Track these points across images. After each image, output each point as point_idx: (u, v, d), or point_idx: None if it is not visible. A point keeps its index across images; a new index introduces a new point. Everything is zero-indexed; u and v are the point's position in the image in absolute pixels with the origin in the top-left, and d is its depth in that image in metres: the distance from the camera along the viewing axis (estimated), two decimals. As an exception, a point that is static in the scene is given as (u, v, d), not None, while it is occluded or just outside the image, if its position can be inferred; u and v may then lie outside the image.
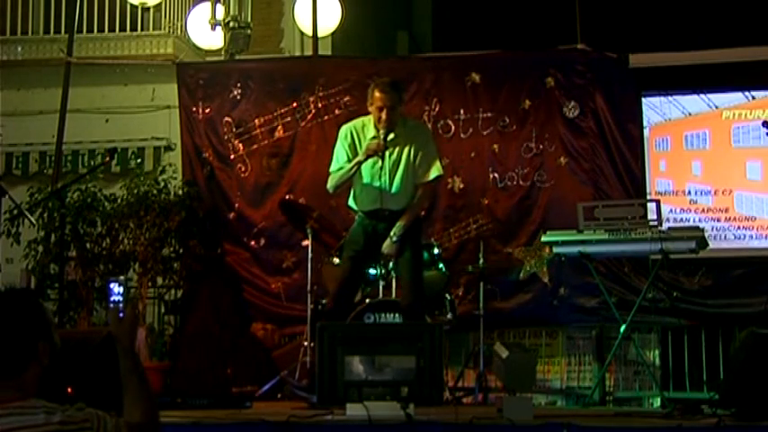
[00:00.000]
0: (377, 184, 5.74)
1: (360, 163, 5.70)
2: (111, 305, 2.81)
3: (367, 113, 5.84)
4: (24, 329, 2.46)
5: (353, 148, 5.78)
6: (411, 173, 5.77)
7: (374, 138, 5.70)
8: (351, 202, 5.95)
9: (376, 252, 5.86)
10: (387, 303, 6.48)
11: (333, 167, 5.86)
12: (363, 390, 4.85)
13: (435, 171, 5.81)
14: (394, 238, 5.72)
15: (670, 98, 7.63)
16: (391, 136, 5.69)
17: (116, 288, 2.84)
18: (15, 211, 6.68)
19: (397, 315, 6.39)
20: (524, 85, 7.70)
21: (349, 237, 5.98)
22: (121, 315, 2.68)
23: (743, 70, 7.45)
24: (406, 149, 5.77)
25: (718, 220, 7.46)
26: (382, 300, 6.53)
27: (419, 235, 5.97)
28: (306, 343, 6.57)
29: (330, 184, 5.89)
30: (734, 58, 7.46)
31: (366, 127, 5.81)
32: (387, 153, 5.70)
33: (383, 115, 5.66)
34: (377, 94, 5.71)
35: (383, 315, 6.42)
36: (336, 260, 6.42)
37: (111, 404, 2.63)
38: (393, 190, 5.74)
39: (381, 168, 5.71)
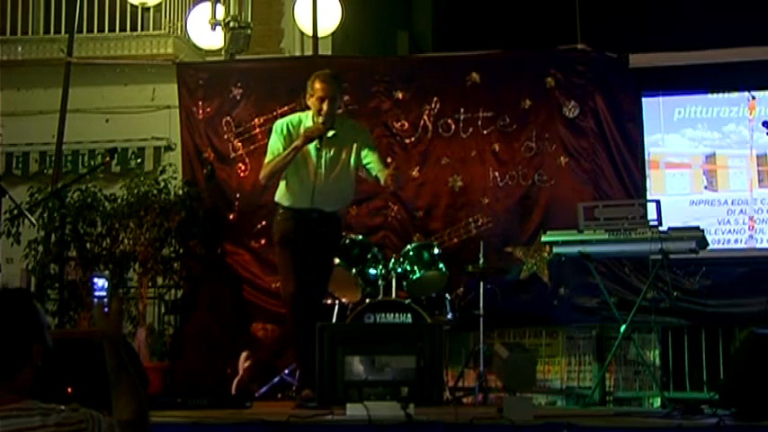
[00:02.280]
0: (312, 181, 5.65)
1: (297, 148, 5.59)
2: (96, 300, 2.79)
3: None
4: (19, 331, 2.44)
5: (289, 140, 5.69)
6: (347, 174, 5.73)
7: (314, 124, 5.63)
8: (279, 197, 5.84)
9: (307, 240, 5.70)
10: (387, 303, 6.48)
11: (267, 160, 5.79)
12: (363, 390, 4.86)
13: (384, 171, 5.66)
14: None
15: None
16: (331, 133, 5.63)
17: (100, 283, 2.82)
18: (15, 211, 6.68)
19: (397, 315, 6.40)
20: (524, 85, 7.70)
21: (278, 233, 5.80)
22: (106, 310, 2.66)
23: (743, 70, 7.45)
24: (346, 149, 5.72)
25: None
26: (382, 300, 6.54)
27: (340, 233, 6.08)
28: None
29: (263, 173, 5.80)
30: (734, 58, 7.46)
31: (302, 122, 5.75)
32: (323, 152, 5.64)
33: (324, 106, 5.60)
34: (317, 84, 5.64)
35: (383, 315, 6.43)
36: (337, 260, 6.42)
37: (110, 404, 2.63)
38: (327, 190, 5.68)
39: (318, 165, 5.63)
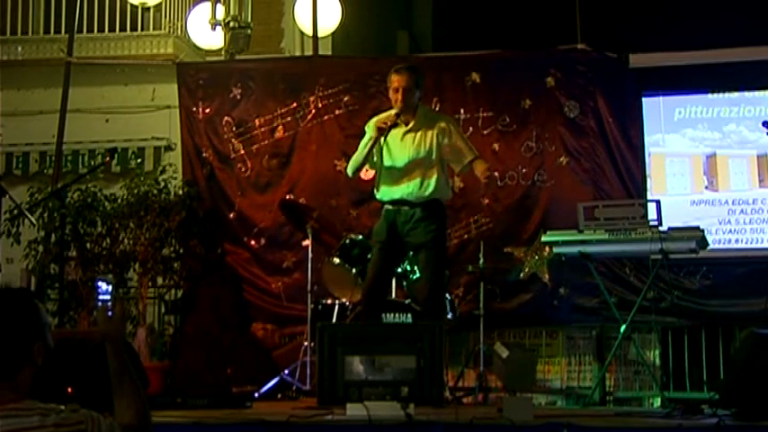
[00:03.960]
0: (398, 171, 5.77)
1: (375, 140, 5.73)
2: (100, 304, 2.78)
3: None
4: (20, 330, 2.44)
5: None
6: (432, 162, 5.77)
7: (386, 114, 5.76)
8: (376, 193, 5.99)
9: (401, 245, 5.86)
10: (388, 303, 6.48)
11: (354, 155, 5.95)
12: (363, 390, 4.86)
13: (466, 157, 5.83)
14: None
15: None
16: (411, 123, 5.73)
17: (104, 286, 2.80)
18: (15, 211, 6.68)
19: (397, 315, 6.39)
20: (525, 85, 7.70)
21: (374, 229, 6.00)
22: (110, 314, 2.65)
23: (743, 70, 7.45)
24: (429, 136, 5.79)
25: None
26: (387, 300, 6.53)
27: (441, 222, 5.94)
28: (306, 343, 6.57)
29: (349, 168, 5.99)
30: (734, 58, 7.46)
31: (389, 116, 5.85)
32: (407, 140, 5.74)
33: (398, 96, 5.74)
34: (393, 76, 5.80)
35: (383, 315, 6.42)
36: (336, 260, 6.42)
37: (110, 404, 2.63)
38: (413, 178, 5.76)
39: (402, 155, 5.75)
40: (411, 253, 6.04)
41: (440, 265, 5.90)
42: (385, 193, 5.87)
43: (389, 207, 5.85)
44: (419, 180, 5.77)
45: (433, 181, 5.79)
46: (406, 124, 5.80)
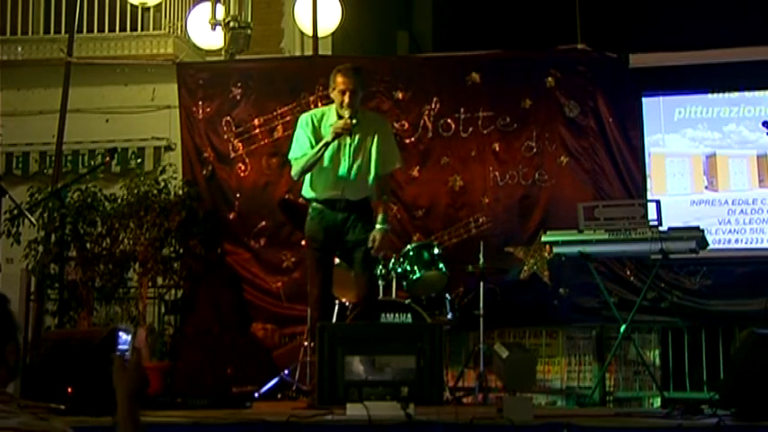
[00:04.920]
0: (337, 171, 5.81)
1: (327, 144, 5.74)
2: (118, 353, 2.74)
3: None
4: None
5: (316, 134, 5.84)
6: (370, 163, 5.86)
7: (340, 118, 5.76)
8: (306, 191, 5.97)
9: (339, 243, 5.90)
10: (387, 303, 6.48)
11: (294, 154, 5.91)
12: (363, 390, 4.85)
13: (398, 162, 6.07)
14: (383, 227, 5.81)
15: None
16: (355, 121, 5.74)
17: (123, 336, 2.80)
18: (15, 211, 6.68)
19: (397, 315, 6.40)
20: (525, 85, 7.70)
21: (308, 229, 5.95)
22: (126, 363, 2.63)
23: (743, 70, 7.45)
24: (369, 139, 5.87)
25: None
26: (382, 300, 6.54)
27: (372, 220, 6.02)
28: (306, 343, 6.57)
29: (295, 170, 5.93)
30: (734, 58, 7.46)
31: (326, 115, 5.90)
32: (348, 140, 5.78)
33: (346, 98, 5.75)
34: (339, 78, 5.81)
35: (383, 315, 6.42)
36: (336, 260, 6.42)
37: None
38: (352, 178, 5.81)
39: (342, 155, 5.79)
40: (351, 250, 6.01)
41: (372, 266, 6.12)
42: (320, 192, 5.87)
43: (320, 206, 5.87)
44: (356, 181, 5.83)
45: (368, 182, 5.88)
46: (351, 119, 5.80)
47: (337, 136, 5.73)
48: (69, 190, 7.26)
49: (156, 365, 7.14)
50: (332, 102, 5.95)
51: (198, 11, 9.03)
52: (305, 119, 5.95)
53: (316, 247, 5.91)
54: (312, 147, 5.80)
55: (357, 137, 5.83)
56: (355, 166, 5.82)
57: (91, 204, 7.64)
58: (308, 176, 5.90)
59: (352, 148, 5.82)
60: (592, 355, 7.37)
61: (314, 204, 5.92)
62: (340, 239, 5.88)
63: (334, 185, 5.82)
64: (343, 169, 5.80)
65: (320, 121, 5.89)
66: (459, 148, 7.68)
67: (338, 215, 5.84)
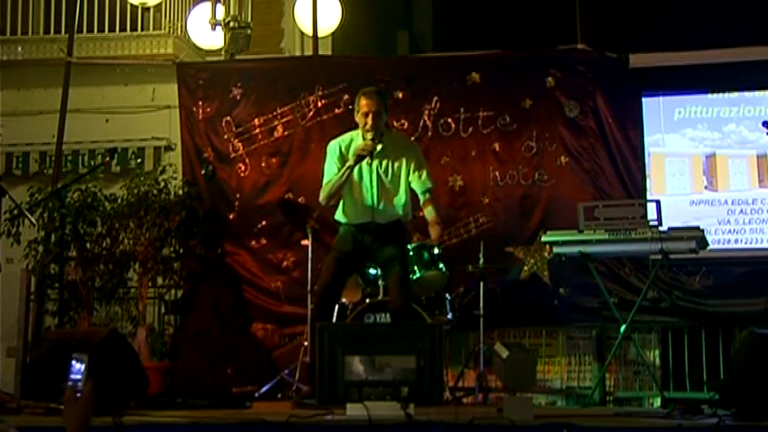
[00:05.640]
0: (365, 198, 5.85)
1: (351, 167, 5.81)
2: (70, 383, 2.65)
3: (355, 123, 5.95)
4: None
5: (343, 160, 5.91)
6: (399, 187, 5.89)
7: (364, 142, 5.81)
8: (339, 216, 6.02)
9: (363, 260, 6.05)
10: (387, 303, 6.47)
11: (324, 181, 5.98)
12: (363, 390, 4.86)
13: (431, 183, 6.00)
14: (436, 222, 5.89)
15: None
16: (379, 147, 5.81)
17: (77, 366, 2.69)
18: (15, 211, 6.68)
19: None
20: (525, 85, 7.70)
21: (338, 240, 6.02)
22: (78, 395, 2.53)
23: (743, 70, 7.45)
24: (396, 162, 5.91)
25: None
26: (382, 300, 6.53)
27: (405, 239, 6.13)
28: (306, 343, 6.57)
29: (322, 195, 5.99)
30: (734, 58, 7.46)
31: (354, 140, 5.94)
32: (374, 166, 5.82)
33: (369, 120, 5.81)
34: (363, 101, 5.87)
35: (383, 315, 6.42)
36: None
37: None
38: (379, 205, 5.86)
39: (370, 181, 5.83)
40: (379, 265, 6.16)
41: (408, 280, 6.03)
42: (351, 218, 5.93)
43: (352, 228, 5.92)
44: (385, 204, 5.86)
45: (399, 205, 5.91)
46: (374, 141, 5.84)
47: (360, 159, 5.79)
48: (69, 190, 7.26)
49: (156, 365, 7.14)
50: (350, 119, 6.07)
51: (198, 11, 9.02)
52: (332, 146, 6.00)
53: (339, 257, 5.92)
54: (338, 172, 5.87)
55: (384, 161, 5.87)
56: (383, 192, 5.86)
57: (91, 204, 7.63)
58: (340, 203, 5.96)
59: (378, 174, 5.86)
60: (592, 355, 7.37)
61: (345, 226, 5.98)
62: (368, 256, 5.99)
63: (363, 213, 5.87)
64: (370, 197, 5.84)
65: (348, 146, 5.94)
66: (459, 148, 7.68)
67: (368, 237, 5.89)
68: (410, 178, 5.92)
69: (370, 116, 5.82)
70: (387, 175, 5.89)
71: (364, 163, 5.84)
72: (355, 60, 8.54)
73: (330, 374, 4.98)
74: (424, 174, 5.97)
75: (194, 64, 8.66)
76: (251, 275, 7.80)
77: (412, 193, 6.01)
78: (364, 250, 5.94)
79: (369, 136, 5.82)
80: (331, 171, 5.94)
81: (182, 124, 8.17)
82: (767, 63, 7.40)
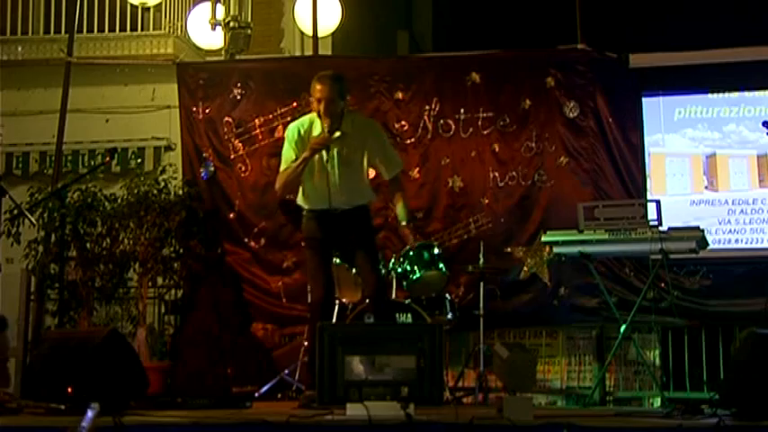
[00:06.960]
0: (326, 182, 5.62)
1: (306, 159, 5.59)
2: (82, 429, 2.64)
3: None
4: None
5: (302, 144, 5.67)
6: (362, 170, 5.73)
7: (320, 133, 5.62)
8: (300, 201, 5.85)
9: (338, 243, 5.82)
10: (388, 303, 6.47)
11: (281, 168, 5.79)
12: (363, 390, 4.85)
13: (400, 165, 5.93)
14: (405, 222, 5.79)
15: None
16: (337, 134, 5.59)
17: (90, 413, 2.69)
18: (15, 211, 6.68)
19: (397, 315, 6.39)
20: (524, 85, 7.70)
21: (305, 229, 5.83)
22: None
23: (743, 70, 7.45)
24: (359, 146, 5.71)
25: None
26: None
27: (370, 224, 5.97)
28: (306, 343, 6.57)
29: (277, 184, 5.83)
30: (734, 58, 7.46)
31: (314, 124, 5.71)
32: (335, 151, 5.61)
33: (321, 107, 5.58)
34: (316, 86, 5.63)
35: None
36: (337, 260, 6.42)
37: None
38: (342, 189, 5.65)
39: (330, 166, 5.60)
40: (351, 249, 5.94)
41: (377, 263, 5.91)
42: (311, 203, 5.75)
43: (315, 215, 5.75)
44: (347, 191, 5.68)
45: (362, 189, 5.77)
46: (330, 132, 5.61)
47: (314, 152, 5.58)
48: (69, 190, 7.26)
49: (156, 365, 7.15)
50: None
51: (198, 11, 9.03)
52: (291, 131, 5.78)
53: (314, 246, 5.77)
54: (295, 160, 5.65)
55: (345, 146, 5.66)
56: (345, 177, 5.65)
57: (91, 204, 7.64)
58: (300, 187, 5.78)
59: (338, 160, 5.65)
60: (592, 355, 7.37)
61: (307, 213, 5.82)
62: (339, 239, 5.78)
63: (324, 198, 5.66)
64: (330, 183, 5.61)
65: (307, 130, 5.71)
66: (459, 149, 7.68)
67: (330, 223, 5.72)
68: (375, 161, 5.77)
69: (323, 103, 5.56)
70: (348, 160, 5.67)
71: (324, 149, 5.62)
72: (355, 60, 8.53)
73: (330, 374, 4.98)
74: (390, 153, 5.85)
75: (194, 64, 8.66)
76: (251, 275, 7.80)
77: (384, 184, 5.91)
78: (333, 232, 5.72)
79: (326, 124, 5.58)
80: (288, 157, 5.71)
81: (182, 124, 8.17)
82: (767, 63, 7.40)
